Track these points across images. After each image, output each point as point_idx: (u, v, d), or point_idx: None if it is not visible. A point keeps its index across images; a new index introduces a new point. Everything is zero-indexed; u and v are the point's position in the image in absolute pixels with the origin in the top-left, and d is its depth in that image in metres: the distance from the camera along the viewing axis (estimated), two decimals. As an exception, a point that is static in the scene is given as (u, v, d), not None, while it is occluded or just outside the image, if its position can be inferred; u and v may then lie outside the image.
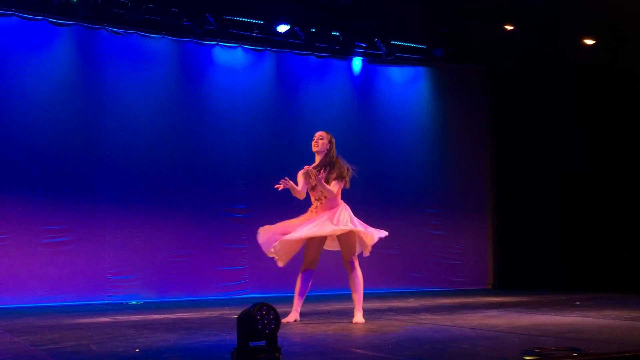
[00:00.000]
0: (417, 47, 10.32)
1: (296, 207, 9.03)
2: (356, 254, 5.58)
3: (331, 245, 5.68)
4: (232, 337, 4.15)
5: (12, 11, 7.91)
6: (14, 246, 7.64)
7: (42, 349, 3.88)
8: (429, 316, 5.75)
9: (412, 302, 7.39)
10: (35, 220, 7.78)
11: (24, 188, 7.75)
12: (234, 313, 5.96)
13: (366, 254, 5.56)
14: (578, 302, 6.90)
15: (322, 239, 5.53)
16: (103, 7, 8.17)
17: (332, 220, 5.37)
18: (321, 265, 9.21)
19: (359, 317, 5.38)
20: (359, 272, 5.56)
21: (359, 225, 5.48)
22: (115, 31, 8.49)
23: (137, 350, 3.81)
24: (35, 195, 7.79)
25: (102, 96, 8.34)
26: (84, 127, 8.21)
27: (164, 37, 8.78)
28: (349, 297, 8.05)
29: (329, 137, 5.70)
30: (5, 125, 7.78)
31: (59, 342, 4.15)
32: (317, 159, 5.70)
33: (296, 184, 5.59)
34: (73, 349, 3.85)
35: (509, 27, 9.38)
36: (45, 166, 7.92)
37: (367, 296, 8.45)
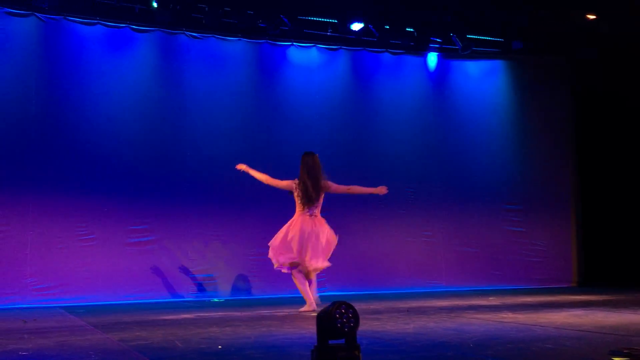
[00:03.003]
0: (494, 40, 10.11)
1: (370, 206, 9.06)
2: None
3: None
4: (311, 334, 4.19)
5: (96, 20, 8.24)
6: (101, 246, 7.96)
7: (130, 344, 4.02)
8: (510, 315, 5.63)
9: (493, 300, 7.25)
10: (121, 220, 8.08)
11: (109, 190, 8.07)
12: (312, 311, 6.00)
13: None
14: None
15: None
16: (182, 13, 8.41)
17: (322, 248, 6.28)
18: (395, 264, 9.24)
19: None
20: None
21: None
22: (194, 35, 8.72)
23: (220, 346, 3.90)
24: (120, 197, 8.10)
25: (181, 99, 8.58)
26: (165, 129, 8.48)
27: (240, 40, 8.94)
28: (426, 295, 7.98)
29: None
30: (92, 131, 8.11)
31: (146, 338, 4.30)
32: None
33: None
34: (159, 345, 3.98)
35: (591, 16, 9.05)
36: (129, 169, 8.22)
37: (445, 294, 8.40)
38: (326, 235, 6.29)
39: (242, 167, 6.57)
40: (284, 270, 6.27)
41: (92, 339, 4.35)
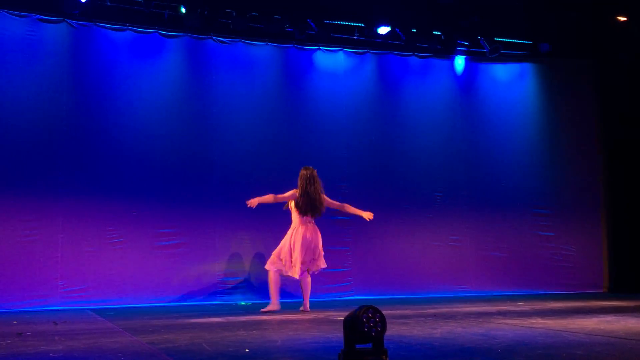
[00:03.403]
0: (523, 43, 10.02)
1: (397, 211, 9.06)
2: None
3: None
4: (338, 338, 4.19)
5: (126, 26, 8.35)
6: (130, 249, 8.05)
7: (159, 347, 4.06)
8: (540, 320, 5.56)
9: (522, 306, 7.18)
10: (150, 224, 8.16)
11: (138, 194, 8.15)
12: (339, 315, 6.01)
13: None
14: None
15: None
16: (210, 18, 8.48)
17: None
18: (423, 268, 9.19)
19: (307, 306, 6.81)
20: None
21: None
22: (221, 40, 8.79)
23: (247, 350, 3.92)
24: (149, 200, 8.18)
25: (209, 103, 8.65)
26: (193, 133, 8.55)
27: (267, 44, 8.99)
28: (454, 300, 7.93)
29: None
30: (121, 135, 8.20)
31: (174, 341, 4.33)
32: None
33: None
34: (187, 348, 4.01)
35: (621, 18, 8.92)
36: (158, 172, 8.30)
37: (473, 299, 8.33)
38: (320, 241, 6.83)
39: (252, 202, 6.85)
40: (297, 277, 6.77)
41: (122, 342, 4.39)
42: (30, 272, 7.57)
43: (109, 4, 8.23)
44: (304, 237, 6.67)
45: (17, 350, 3.99)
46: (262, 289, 8.46)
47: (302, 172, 6.84)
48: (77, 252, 7.80)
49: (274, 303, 6.70)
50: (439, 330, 4.87)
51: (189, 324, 5.58)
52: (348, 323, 3.08)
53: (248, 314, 6.60)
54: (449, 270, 9.35)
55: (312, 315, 6.27)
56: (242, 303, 8.07)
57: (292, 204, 6.84)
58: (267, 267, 6.84)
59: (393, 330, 4.73)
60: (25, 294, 7.50)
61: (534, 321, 5.51)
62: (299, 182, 6.81)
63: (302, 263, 6.65)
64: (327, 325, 5.33)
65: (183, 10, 8.37)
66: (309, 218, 6.77)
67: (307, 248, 6.69)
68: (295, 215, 6.81)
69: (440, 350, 3.86)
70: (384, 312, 3.11)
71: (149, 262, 8.10)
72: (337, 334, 4.52)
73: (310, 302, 6.97)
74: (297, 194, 6.75)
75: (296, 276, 6.70)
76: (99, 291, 7.82)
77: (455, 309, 6.77)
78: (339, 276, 8.85)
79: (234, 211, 8.43)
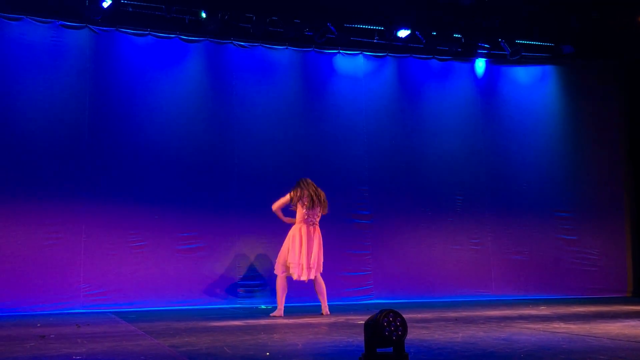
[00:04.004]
0: (544, 45, 9.94)
1: (418, 214, 9.02)
2: None
3: None
4: (359, 342, 4.18)
5: (147, 31, 8.43)
6: (151, 252, 8.10)
7: (180, 350, 4.08)
8: (562, 325, 5.51)
9: (544, 310, 7.11)
10: (171, 227, 8.21)
11: (159, 198, 8.21)
12: (359, 319, 5.99)
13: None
14: None
15: None
16: (230, 22, 8.54)
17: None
18: (443, 272, 9.14)
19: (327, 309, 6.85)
20: None
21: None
22: (241, 44, 8.83)
23: (267, 353, 3.92)
24: (170, 204, 8.23)
25: (229, 108, 8.69)
26: (213, 138, 8.59)
27: (287, 48, 9.01)
28: (475, 304, 7.88)
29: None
30: (143, 139, 8.27)
31: (195, 345, 4.35)
32: None
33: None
34: (208, 351, 4.02)
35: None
36: (179, 176, 8.35)
37: (494, 303, 8.27)
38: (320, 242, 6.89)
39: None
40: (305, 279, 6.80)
41: (143, 345, 4.42)
42: (54, 276, 7.65)
43: (130, 9, 8.31)
44: (308, 242, 6.74)
45: (41, 352, 4.04)
46: (282, 293, 8.48)
47: (301, 180, 6.97)
48: (99, 256, 7.88)
49: (279, 309, 6.76)
50: (460, 335, 4.84)
51: (209, 327, 5.60)
52: (369, 327, 3.07)
53: (268, 317, 6.61)
54: (469, 274, 9.30)
55: (332, 319, 6.26)
56: (263, 306, 8.08)
57: (298, 206, 6.87)
58: (275, 271, 6.90)
59: (414, 334, 4.71)
60: (48, 297, 7.58)
61: (556, 326, 5.45)
62: (294, 188, 6.92)
63: (309, 267, 6.69)
64: (347, 329, 5.32)
65: (203, 15, 8.43)
66: (314, 217, 6.82)
67: (311, 251, 6.73)
68: (300, 215, 6.84)
69: (461, 355, 3.84)
70: (404, 315, 3.10)
71: (170, 266, 8.14)
72: (357, 338, 4.52)
73: (330, 305, 6.97)
74: (297, 193, 6.84)
75: (305, 278, 6.72)
76: (121, 294, 7.88)
77: (476, 313, 6.73)
78: (359, 280, 8.84)
79: (253, 215, 8.45)
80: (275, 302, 6.84)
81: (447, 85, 9.68)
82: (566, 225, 9.65)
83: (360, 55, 9.34)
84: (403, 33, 9.07)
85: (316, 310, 7.00)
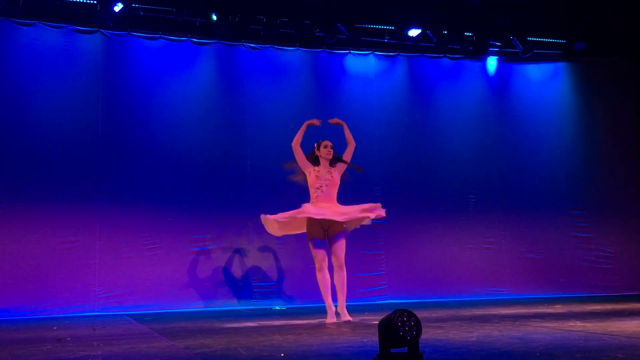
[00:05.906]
0: (557, 42, 9.89)
1: (431, 213, 9.00)
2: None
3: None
4: (373, 343, 4.18)
5: (159, 34, 8.47)
6: (165, 254, 8.14)
7: (195, 351, 4.09)
8: (578, 323, 5.47)
9: (559, 308, 7.06)
10: (184, 230, 8.25)
11: (173, 200, 8.25)
12: (374, 319, 5.98)
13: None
14: None
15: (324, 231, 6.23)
16: (241, 25, 8.56)
17: (340, 212, 6.17)
18: (457, 271, 9.11)
19: (347, 315, 5.96)
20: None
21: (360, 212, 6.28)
22: (252, 46, 8.85)
23: (282, 354, 3.93)
24: (183, 207, 8.27)
25: (241, 109, 8.71)
26: (225, 140, 8.62)
27: (297, 49, 9.03)
28: (490, 303, 7.82)
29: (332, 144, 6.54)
30: (156, 142, 8.31)
31: (210, 346, 4.36)
32: (324, 162, 6.55)
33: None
34: (223, 353, 4.03)
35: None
36: (192, 178, 8.39)
37: (509, 302, 8.23)
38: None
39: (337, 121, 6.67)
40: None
41: (159, 347, 4.44)
42: (69, 279, 7.70)
43: (141, 13, 8.36)
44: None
45: (57, 355, 4.06)
46: (296, 293, 8.49)
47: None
48: (114, 258, 7.92)
49: (329, 314, 5.98)
50: (475, 334, 4.82)
51: (224, 328, 5.62)
52: (383, 327, 3.07)
53: (283, 318, 6.61)
54: (484, 273, 9.26)
55: (346, 319, 6.24)
56: (277, 307, 8.09)
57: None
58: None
59: (428, 334, 4.70)
60: (64, 300, 7.63)
61: (572, 324, 5.42)
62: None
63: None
64: (361, 329, 5.31)
65: (214, 17, 8.46)
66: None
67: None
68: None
69: (477, 354, 3.82)
70: (418, 315, 3.09)
71: (184, 267, 8.18)
72: (372, 338, 4.51)
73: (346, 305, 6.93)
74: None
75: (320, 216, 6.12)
76: (136, 297, 7.92)
77: (491, 312, 6.70)
78: (373, 280, 8.83)
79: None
80: (290, 303, 6.83)
81: (458, 84, 9.66)
82: (581, 223, 9.60)
83: (371, 55, 9.33)
84: (414, 32, 9.06)
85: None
